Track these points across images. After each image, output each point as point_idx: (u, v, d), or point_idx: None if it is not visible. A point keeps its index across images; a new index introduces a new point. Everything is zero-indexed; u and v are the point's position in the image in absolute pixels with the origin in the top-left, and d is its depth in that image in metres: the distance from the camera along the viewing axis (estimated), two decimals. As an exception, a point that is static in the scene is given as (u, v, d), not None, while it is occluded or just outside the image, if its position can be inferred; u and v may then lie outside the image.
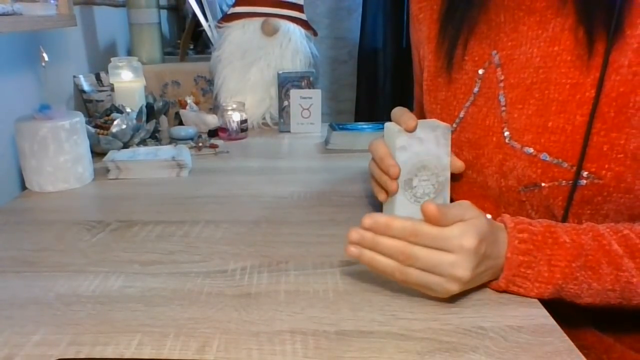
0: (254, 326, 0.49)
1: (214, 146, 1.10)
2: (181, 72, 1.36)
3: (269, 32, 1.26)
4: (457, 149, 0.66)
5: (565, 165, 0.57)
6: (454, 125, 0.66)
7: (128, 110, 1.09)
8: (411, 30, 0.77)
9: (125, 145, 1.02)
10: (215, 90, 1.30)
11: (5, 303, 0.53)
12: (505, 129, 0.61)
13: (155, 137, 1.10)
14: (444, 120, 0.65)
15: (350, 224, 0.51)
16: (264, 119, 1.30)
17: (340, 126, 1.12)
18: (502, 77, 0.62)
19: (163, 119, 1.21)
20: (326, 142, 1.11)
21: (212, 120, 1.19)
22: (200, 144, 1.09)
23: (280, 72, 1.25)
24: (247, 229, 0.70)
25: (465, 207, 0.51)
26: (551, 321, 0.49)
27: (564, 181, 0.57)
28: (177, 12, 1.99)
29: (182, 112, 1.22)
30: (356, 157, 1.04)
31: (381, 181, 0.63)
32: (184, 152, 0.97)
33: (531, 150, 0.58)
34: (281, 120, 1.26)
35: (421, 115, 0.75)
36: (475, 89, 0.64)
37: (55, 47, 1.13)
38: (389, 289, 0.54)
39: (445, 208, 0.49)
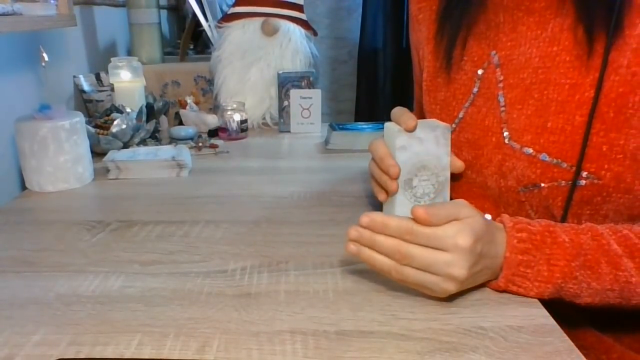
0: (254, 326, 0.49)
1: (214, 146, 1.10)
2: (181, 72, 1.36)
3: (269, 32, 1.26)
4: (456, 149, 0.66)
5: (565, 165, 0.57)
6: (454, 125, 0.66)
7: (128, 110, 1.09)
8: (411, 31, 0.77)
9: (125, 145, 1.02)
10: (215, 90, 1.30)
11: (5, 303, 0.53)
12: (505, 129, 0.61)
13: (155, 137, 1.10)
14: (443, 121, 0.65)
15: (350, 224, 0.51)
16: (264, 119, 1.30)
17: (340, 126, 1.12)
18: (502, 78, 0.62)
19: (163, 119, 1.21)
20: (326, 142, 1.12)
21: (212, 120, 1.19)
22: (200, 144, 1.09)
23: (280, 72, 1.25)
24: (247, 229, 0.70)
25: (460, 205, 0.51)
26: (551, 321, 0.49)
27: (563, 181, 0.57)
28: (177, 12, 1.99)
29: (182, 112, 1.22)
30: (356, 157, 1.04)
31: (381, 181, 0.63)
32: (184, 152, 0.97)
33: (530, 150, 0.59)
34: (281, 120, 1.26)
35: (421, 116, 0.75)
36: (475, 89, 0.64)
37: (55, 47, 1.13)
38: (389, 289, 0.54)
39: (437, 208, 0.49)
